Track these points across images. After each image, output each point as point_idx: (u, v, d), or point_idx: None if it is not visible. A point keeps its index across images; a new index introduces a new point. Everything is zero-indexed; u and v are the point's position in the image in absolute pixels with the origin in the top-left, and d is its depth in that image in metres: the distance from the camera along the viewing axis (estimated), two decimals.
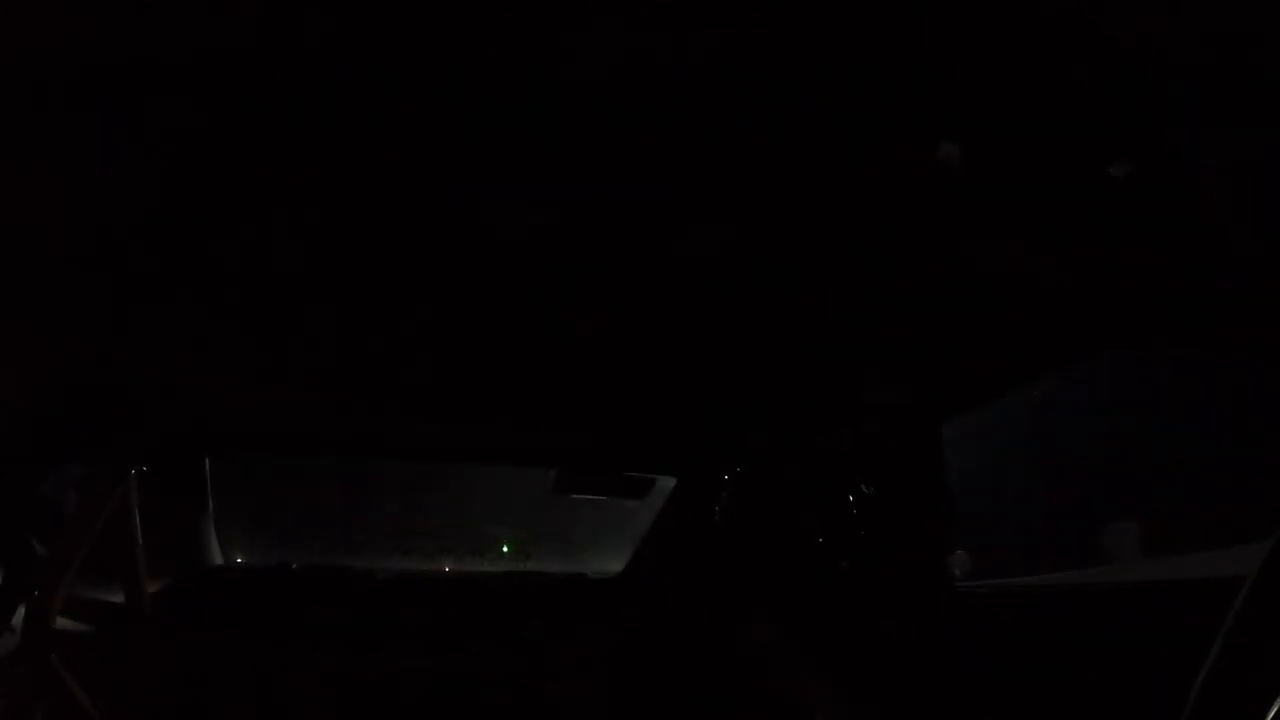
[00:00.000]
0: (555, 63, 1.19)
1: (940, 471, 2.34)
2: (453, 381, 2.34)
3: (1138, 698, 1.84)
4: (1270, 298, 1.39)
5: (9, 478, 2.27)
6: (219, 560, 3.03)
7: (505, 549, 3.47)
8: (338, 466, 3.29)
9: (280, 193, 1.48)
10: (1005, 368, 2.03)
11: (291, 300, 1.87)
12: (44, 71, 1.19)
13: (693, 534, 3.17)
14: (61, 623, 2.44)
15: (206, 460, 2.93)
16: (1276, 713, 1.10)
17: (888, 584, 2.38)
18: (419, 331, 2.02)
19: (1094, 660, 2.16)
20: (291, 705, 2.71)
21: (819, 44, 1.16)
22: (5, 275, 1.70)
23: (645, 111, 1.26)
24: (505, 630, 2.99)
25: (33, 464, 2.33)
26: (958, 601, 2.40)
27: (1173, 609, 1.98)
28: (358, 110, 1.27)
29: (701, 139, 1.32)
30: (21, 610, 2.32)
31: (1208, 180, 1.31)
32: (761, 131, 1.31)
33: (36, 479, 2.38)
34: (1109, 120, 1.25)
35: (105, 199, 1.49)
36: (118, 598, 2.56)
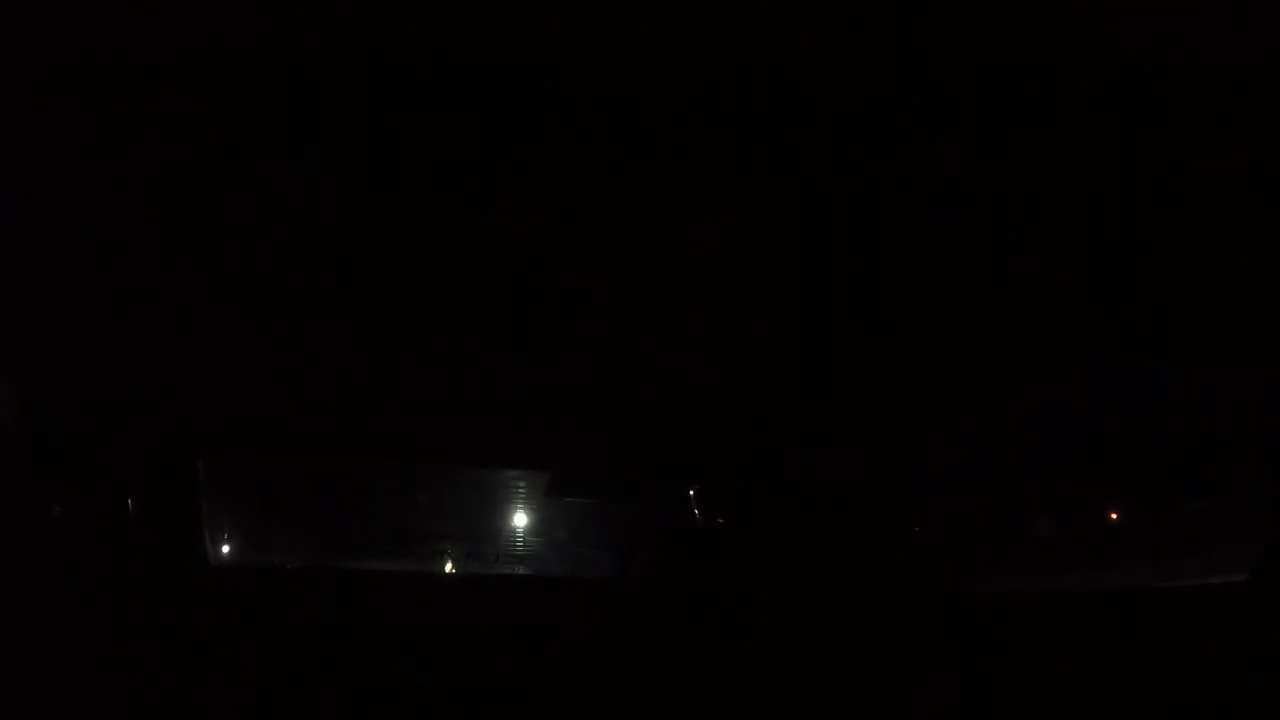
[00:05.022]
0: (552, 60, 1.18)
1: (942, 477, 2.34)
2: (450, 383, 2.33)
3: (1139, 700, 1.84)
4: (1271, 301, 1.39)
5: (5, 479, 2.27)
6: (213, 561, 3.01)
7: (502, 552, 3.46)
8: (334, 467, 3.28)
9: (279, 192, 1.48)
10: (1008, 370, 2.03)
11: (288, 300, 1.87)
12: (41, 70, 1.18)
13: (693, 538, 3.16)
14: (59, 624, 2.43)
15: (200, 461, 2.91)
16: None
17: (886, 591, 2.38)
18: (417, 332, 2.01)
19: (1094, 664, 2.15)
20: (287, 707, 2.70)
21: (819, 42, 1.15)
22: (1, 275, 1.70)
23: (648, 111, 1.26)
24: (503, 633, 2.98)
25: (28, 465, 2.32)
26: (957, 606, 2.40)
27: (1173, 612, 1.98)
28: (357, 110, 1.26)
29: (705, 139, 1.32)
30: (21, 612, 2.31)
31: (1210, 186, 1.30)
32: (768, 133, 1.30)
33: (32, 480, 2.37)
34: (1116, 123, 1.25)
35: (103, 199, 1.48)
36: (113, 599, 2.55)
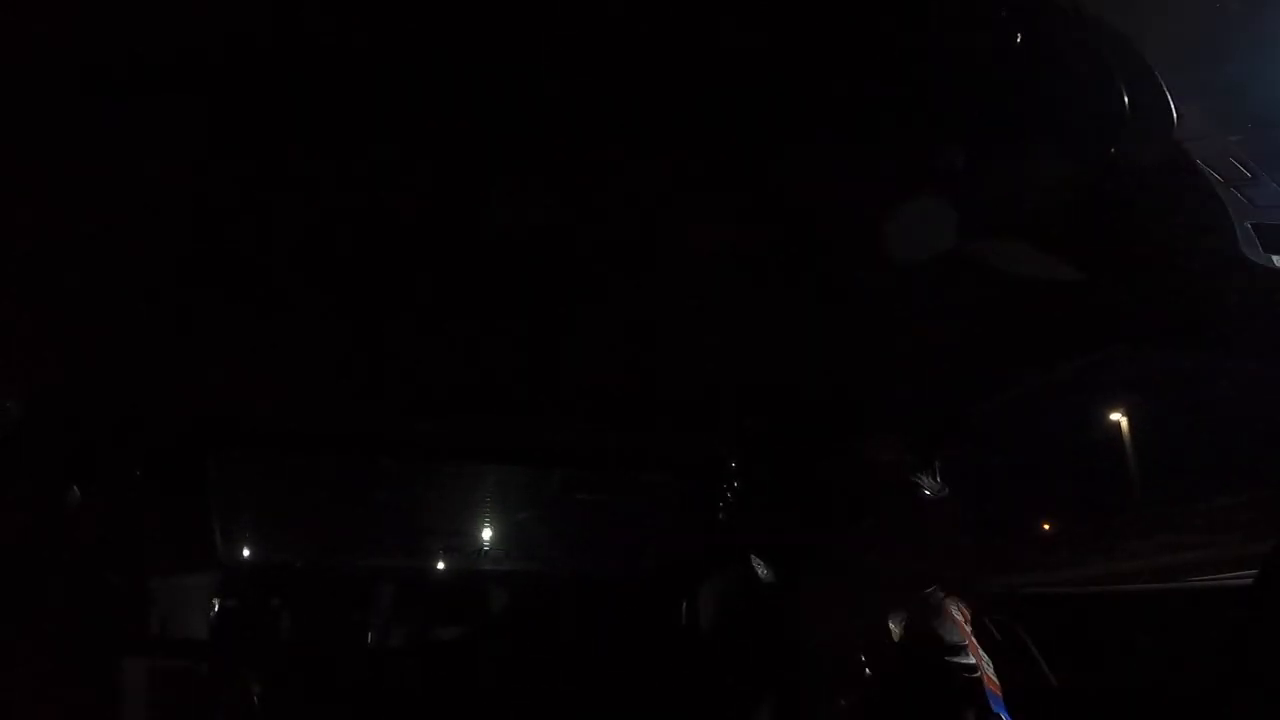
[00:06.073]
0: (555, 58, 1.18)
1: (947, 474, 2.32)
2: (454, 380, 2.33)
3: (1139, 701, 1.84)
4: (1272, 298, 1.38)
5: (10, 478, 2.27)
6: (221, 559, 3.03)
7: (512, 549, 3.47)
8: (340, 465, 3.29)
9: (281, 192, 1.48)
10: (1011, 367, 2.03)
11: (292, 299, 1.87)
12: (43, 70, 1.18)
13: (696, 535, 3.16)
14: (68, 623, 2.44)
15: (207, 459, 2.92)
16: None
17: (891, 586, 2.36)
18: (421, 330, 2.01)
19: (1097, 663, 2.16)
20: (293, 704, 2.71)
21: (820, 41, 1.15)
22: (5, 275, 1.71)
23: (651, 109, 1.26)
24: (507, 629, 2.99)
25: (33, 463, 2.32)
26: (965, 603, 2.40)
27: (1176, 612, 1.98)
28: (358, 108, 1.26)
29: (702, 137, 1.32)
30: (27, 610, 2.32)
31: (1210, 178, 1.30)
32: (766, 130, 1.30)
33: (37, 478, 2.38)
34: (1114, 117, 1.24)
35: (104, 198, 1.49)
36: (119, 598, 2.56)
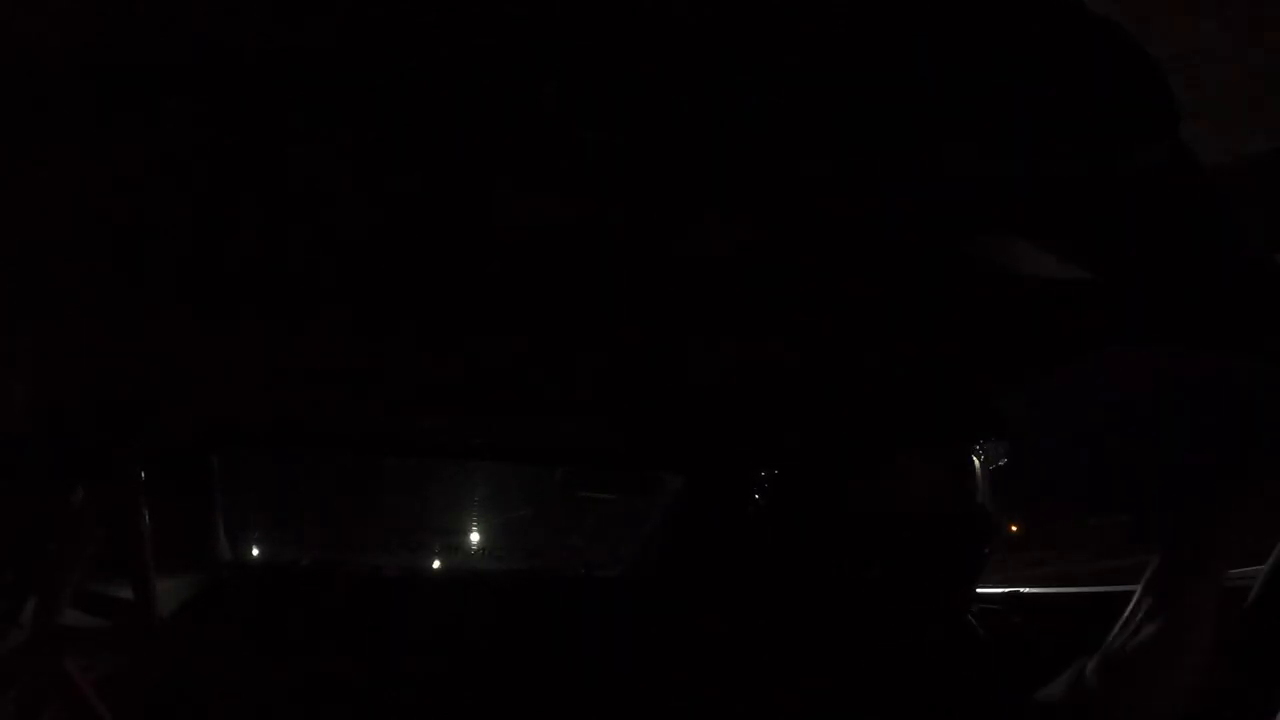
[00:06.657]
0: (561, 59, 1.18)
1: (968, 477, 2.31)
2: (459, 378, 2.34)
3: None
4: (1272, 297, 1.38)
5: (16, 475, 2.28)
6: (227, 557, 3.04)
7: (516, 547, 3.48)
8: (345, 463, 3.30)
9: (283, 190, 1.48)
10: (1014, 365, 2.02)
11: (295, 297, 1.87)
12: (46, 71, 1.19)
13: (704, 535, 3.17)
14: (69, 621, 2.44)
15: (214, 457, 2.93)
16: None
17: (915, 596, 2.35)
18: (425, 328, 2.02)
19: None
20: (297, 703, 2.71)
21: (821, 41, 1.15)
22: (6, 274, 1.71)
23: (658, 106, 1.25)
24: (511, 629, 2.99)
25: (39, 460, 2.33)
26: (979, 608, 2.40)
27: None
28: (359, 107, 1.26)
29: (709, 136, 1.32)
30: (29, 608, 2.32)
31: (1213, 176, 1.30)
32: (777, 128, 1.29)
33: (43, 475, 2.38)
34: (1117, 115, 1.24)
35: (105, 198, 1.49)
36: (126, 595, 2.57)
